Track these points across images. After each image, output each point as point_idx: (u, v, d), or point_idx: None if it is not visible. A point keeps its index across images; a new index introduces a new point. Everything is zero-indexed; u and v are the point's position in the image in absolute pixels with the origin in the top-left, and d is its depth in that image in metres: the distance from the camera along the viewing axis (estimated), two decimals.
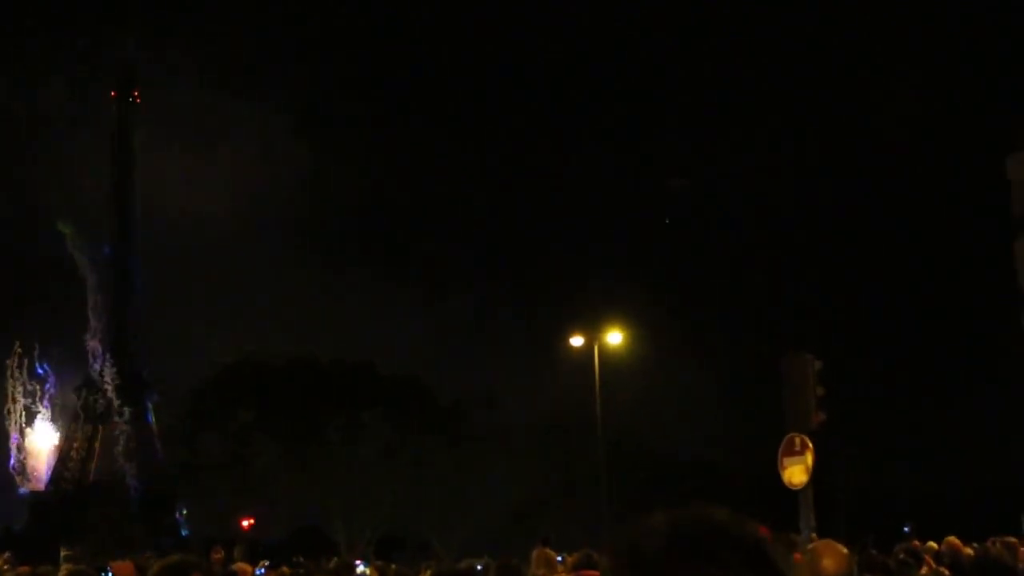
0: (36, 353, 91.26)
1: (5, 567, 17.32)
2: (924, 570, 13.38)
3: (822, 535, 15.80)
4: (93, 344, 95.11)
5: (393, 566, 21.15)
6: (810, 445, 19.30)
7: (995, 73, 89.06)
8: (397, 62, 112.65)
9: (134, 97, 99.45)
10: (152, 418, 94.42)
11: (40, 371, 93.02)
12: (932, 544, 18.64)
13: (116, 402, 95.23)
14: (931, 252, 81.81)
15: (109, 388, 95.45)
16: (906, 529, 61.90)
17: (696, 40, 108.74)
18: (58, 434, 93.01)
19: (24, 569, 15.13)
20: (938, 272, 78.82)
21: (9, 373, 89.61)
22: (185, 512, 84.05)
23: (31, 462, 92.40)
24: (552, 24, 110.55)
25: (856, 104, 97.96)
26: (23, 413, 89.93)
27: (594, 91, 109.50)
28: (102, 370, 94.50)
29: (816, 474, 19.62)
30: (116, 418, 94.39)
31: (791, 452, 19.41)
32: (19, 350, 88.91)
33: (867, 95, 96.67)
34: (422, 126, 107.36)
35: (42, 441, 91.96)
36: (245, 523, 65.33)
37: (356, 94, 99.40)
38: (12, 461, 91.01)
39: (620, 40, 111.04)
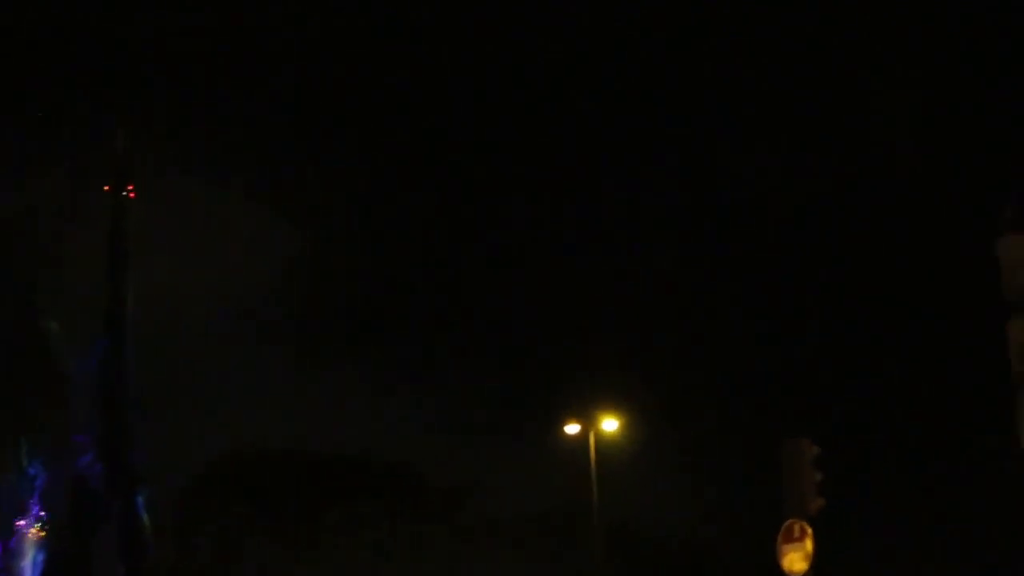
0: (24, 450, 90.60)
1: None
2: None
3: None
4: (81, 439, 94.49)
5: None
6: (810, 531, 19.20)
7: (982, 153, 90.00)
8: (385, 154, 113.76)
9: (128, 191, 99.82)
10: (144, 514, 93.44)
11: (32, 471, 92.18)
12: None
13: (106, 498, 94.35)
14: (927, 336, 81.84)
15: (99, 484, 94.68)
16: None
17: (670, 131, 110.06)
18: (44, 533, 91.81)
19: None
20: (934, 355, 78.72)
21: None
22: None
23: (17, 562, 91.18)
24: (522, 126, 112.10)
25: (842, 183, 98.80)
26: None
27: (589, 174, 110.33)
28: (91, 465, 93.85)
29: (817, 561, 19.45)
30: (106, 515, 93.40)
31: (790, 539, 19.32)
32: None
33: (860, 171, 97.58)
34: (411, 216, 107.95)
35: (30, 542, 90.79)
36: None
37: (345, 186, 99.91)
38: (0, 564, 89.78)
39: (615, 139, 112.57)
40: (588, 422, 44.93)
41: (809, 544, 18.86)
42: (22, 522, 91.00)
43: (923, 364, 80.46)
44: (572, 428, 45.60)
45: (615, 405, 48.19)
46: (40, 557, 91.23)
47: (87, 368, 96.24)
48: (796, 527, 19.07)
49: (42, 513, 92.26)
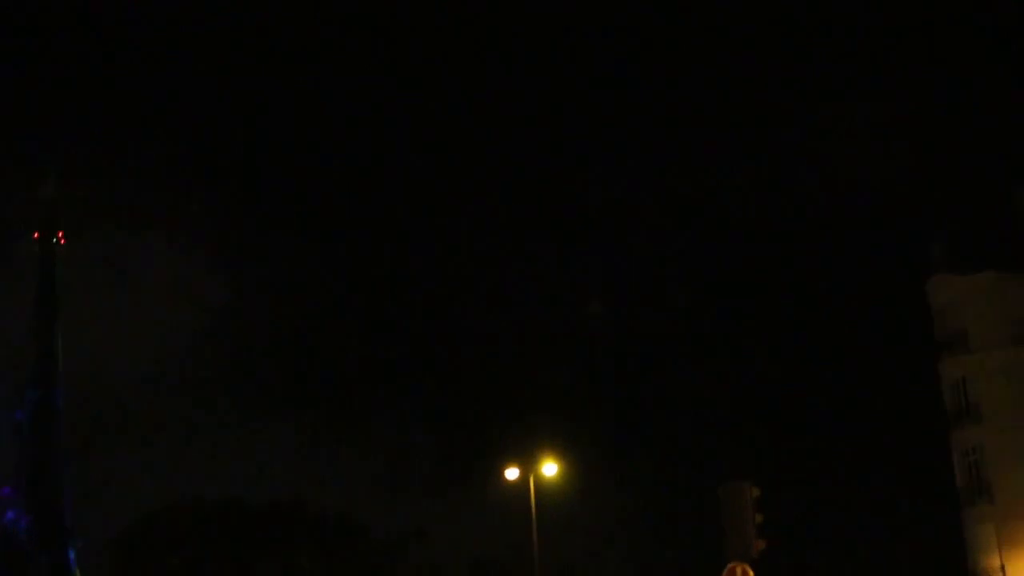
0: None
1: None
2: None
3: None
4: (6, 492, 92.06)
5: None
6: (751, 574, 19.10)
7: (912, 197, 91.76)
8: (319, 195, 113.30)
9: (58, 238, 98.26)
10: (75, 568, 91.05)
11: None
12: None
13: (35, 552, 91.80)
14: (861, 376, 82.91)
15: (25, 538, 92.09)
16: None
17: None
18: None
19: None
20: (868, 396, 79.72)
21: None
22: None
23: None
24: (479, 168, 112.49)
25: (775, 232, 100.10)
26: None
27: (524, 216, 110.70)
28: (16, 519, 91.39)
29: None
30: (35, 569, 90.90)
31: None
32: None
33: (786, 219, 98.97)
34: (350, 266, 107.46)
35: None
36: None
37: (278, 231, 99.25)
38: None
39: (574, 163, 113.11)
40: (528, 466, 44.62)
41: None
42: None
43: (859, 404, 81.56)
44: (512, 472, 45.23)
45: (555, 450, 47.96)
46: None
47: (14, 419, 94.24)
48: (738, 570, 18.96)
49: None
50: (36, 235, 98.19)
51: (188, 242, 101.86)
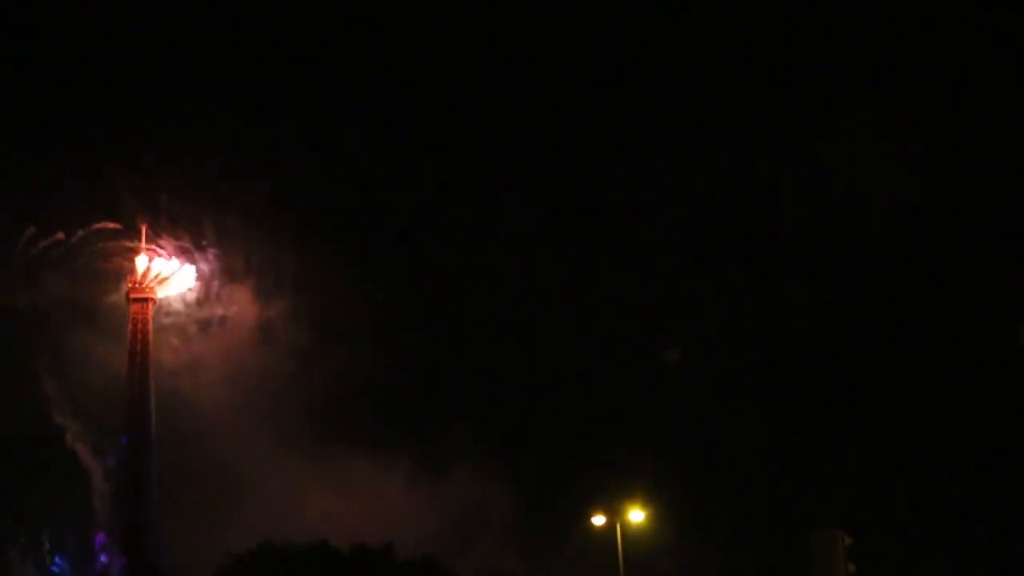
0: (46, 548, 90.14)
1: None
2: None
3: None
4: (101, 536, 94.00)
5: None
6: None
7: (1007, 238, 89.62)
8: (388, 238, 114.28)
9: (151, 299, 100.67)
10: None
11: (56, 568, 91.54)
12: None
13: None
14: (963, 422, 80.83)
15: None
16: None
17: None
18: None
19: None
20: (969, 446, 77.64)
21: (13, 564, 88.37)
22: None
23: None
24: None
25: (873, 281, 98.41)
26: None
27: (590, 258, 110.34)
28: (110, 563, 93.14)
29: None
30: None
31: None
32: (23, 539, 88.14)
33: (880, 268, 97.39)
34: (431, 304, 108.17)
35: None
36: None
37: (352, 272, 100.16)
38: None
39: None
40: (614, 513, 44.33)
41: None
42: None
43: (960, 451, 79.40)
44: (599, 519, 44.97)
45: (642, 496, 47.60)
46: None
47: (108, 464, 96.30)
48: None
49: None
50: (131, 294, 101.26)
51: (271, 285, 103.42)
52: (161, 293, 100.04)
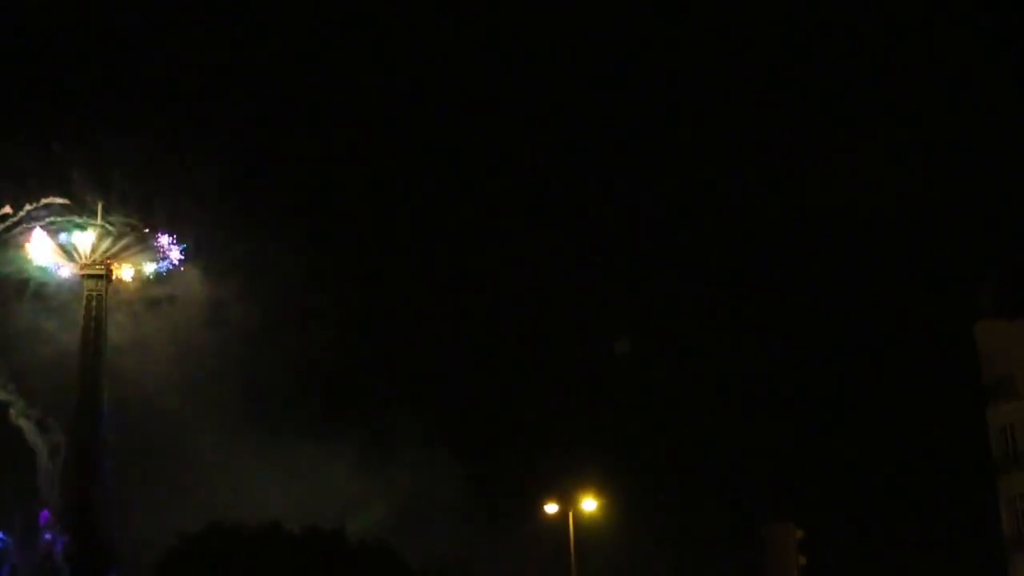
0: None
1: None
2: None
3: None
4: (46, 514, 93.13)
5: None
6: None
7: (958, 240, 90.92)
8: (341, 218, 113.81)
9: (108, 272, 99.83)
10: None
11: (2, 540, 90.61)
12: None
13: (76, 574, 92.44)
14: (908, 420, 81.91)
15: (67, 559, 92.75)
16: None
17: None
18: None
19: None
20: (914, 440, 78.71)
21: None
22: None
23: None
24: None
25: (819, 276, 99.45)
26: None
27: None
28: (53, 541, 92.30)
29: None
30: None
31: None
32: None
33: (831, 264, 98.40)
34: (387, 292, 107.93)
35: None
36: None
37: (301, 256, 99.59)
38: None
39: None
40: (567, 502, 44.56)
41: None
42: None
43: (905, 449, 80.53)
44: (551, 508, 45.19)
45: (595, 486, 47.84)
46: None
47: (53, 441, 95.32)
48: None
49: None
50: (82, 267, 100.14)
51: (221, 266, 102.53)
52: (115, 271, 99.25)
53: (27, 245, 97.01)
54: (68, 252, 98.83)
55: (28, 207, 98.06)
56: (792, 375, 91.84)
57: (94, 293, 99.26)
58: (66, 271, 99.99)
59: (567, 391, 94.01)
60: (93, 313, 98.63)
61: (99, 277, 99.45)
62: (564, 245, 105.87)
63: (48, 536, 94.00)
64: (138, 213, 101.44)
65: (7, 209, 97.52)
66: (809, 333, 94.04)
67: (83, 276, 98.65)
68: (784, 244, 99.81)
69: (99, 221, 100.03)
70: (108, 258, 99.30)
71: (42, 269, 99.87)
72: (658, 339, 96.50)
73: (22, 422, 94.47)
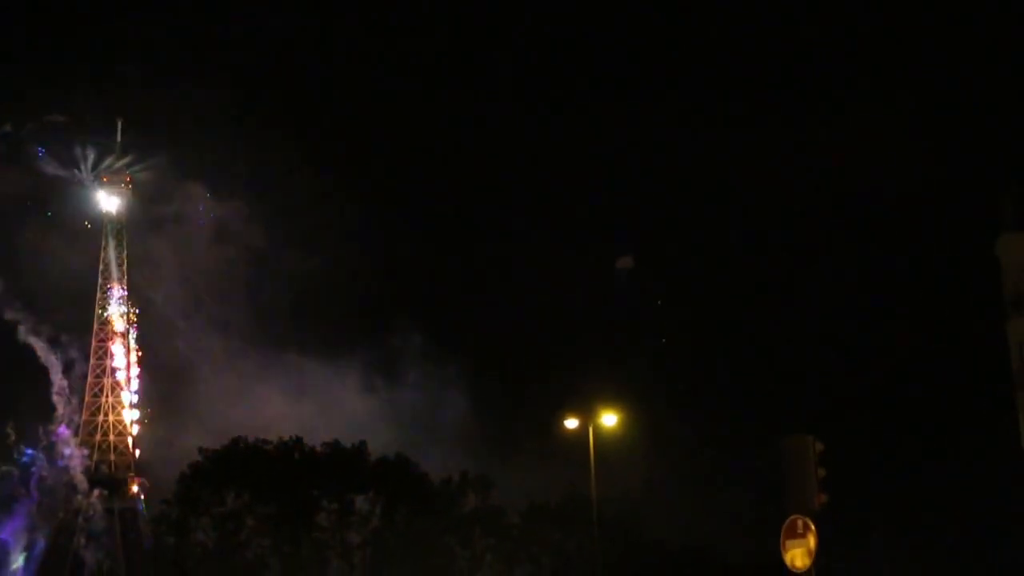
0: (12, 439, 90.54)
1: None
2: None
3: None
4: (63, 430, 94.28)
5: None
6: (813, 527, 19.08)
7: (982, 152, 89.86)
8: (374, 144, 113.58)
9: (126, 182, 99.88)
10: (141, 506, 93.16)
11: (26, 458, 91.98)
12: None
13: (103, 491, 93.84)
14: (929, 331, 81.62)
15: (86, 474, 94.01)
16: None
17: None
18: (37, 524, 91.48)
19: None
20: (936, 350, 78.56)
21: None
22: None
23: (11, 556, 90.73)
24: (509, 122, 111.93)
25: (840, 179, 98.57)
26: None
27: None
28: (71, 456, 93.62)
29: (819, 557, 19.36)
30: (102, 507, 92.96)
31: (793, 535, 19.17)
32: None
33: (854, 172, 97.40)
34: (410, 210, 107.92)
35: (21, 533, 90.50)
36: None
37: (309, 174, 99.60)
38: None
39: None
40: (587, 416, 44.67)
41: (812, 540, 18.75)
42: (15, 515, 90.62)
43: (925, 361, 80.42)
44: (571, 422, 45.32)
45: (615, 400, 47.92)
46: (39, 545, 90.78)
47: (67, 358, 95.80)
48: (799, 523, 18.98)
49: (36, 499, 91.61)
50: (105, 178, 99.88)
51: (226, 185, 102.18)
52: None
53: (40, 159, 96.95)
54: (81, 167, 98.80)
55: (30, 125, 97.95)
56: (814, 287, 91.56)
57: (111, 209, 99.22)
58: (82, 184, 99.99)
59: (584, 305, 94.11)
60: (113, 226, 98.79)
61: (116, 193, 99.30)
62: (575, 161, 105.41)
63: (68, 451, 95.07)
64: (143, 131, 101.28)
65: (7, 127, 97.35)
66: (830, 244, 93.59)
67: (101, 189, 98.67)
68: (805, 154, 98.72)
69: (119, 138, 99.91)
70: (126, 174, 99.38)
71: (53, 184, 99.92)
72: (680, 247, 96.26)
73: (32, 339, 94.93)
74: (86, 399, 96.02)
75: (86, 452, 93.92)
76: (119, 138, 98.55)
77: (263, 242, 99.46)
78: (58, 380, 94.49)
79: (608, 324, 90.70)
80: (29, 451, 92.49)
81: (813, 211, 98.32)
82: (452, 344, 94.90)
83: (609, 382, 62.93)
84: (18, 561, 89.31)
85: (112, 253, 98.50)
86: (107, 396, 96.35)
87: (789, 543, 19.14)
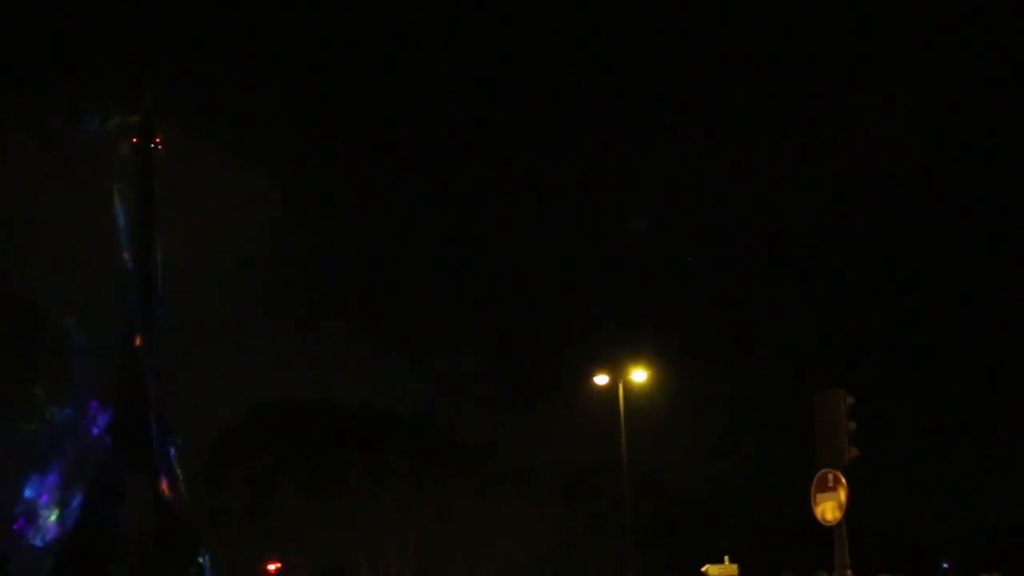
0: (40, 398, 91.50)
1: None
2: None
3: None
4: (92, 404, 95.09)
5: None
6: (843, 481, 18.79)
7: None
8: (389, 121, 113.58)
9: (156, 143, 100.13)
10: (176, 463, 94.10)
11: (66, 413, 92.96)
12: None
13: (137, 449, 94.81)
14: (962, 285, 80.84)
15: (121, 434, 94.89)
16: (945, 566, 60.47)
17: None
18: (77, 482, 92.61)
19: None
20: (968, 307, 77.82)
21: (27, 418, 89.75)
22: (210, 558, 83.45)
23: (45, 513, 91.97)
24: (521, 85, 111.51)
25: (869, 130, 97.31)
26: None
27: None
28: (96, 417, 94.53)
29: (849, 511, 19.08)
30: (138, 465, 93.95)
31: (824, 488, 18.91)
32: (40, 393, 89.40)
33: (878, 133, 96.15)
34: (443, 171, 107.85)
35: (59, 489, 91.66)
36: (271, 567, 64.58)
37: (329, 144, 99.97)
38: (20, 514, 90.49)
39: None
40: (617, 373, 44.32)
41: (843, 494, 18.46)
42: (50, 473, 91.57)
43: (955, 314, 79.72)
44: (601, 379, 44.98)
45: (645, 356, 47.52)
46: (76, 501, 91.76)
47: (96, 325, 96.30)
48: (830, 477, 18.69)
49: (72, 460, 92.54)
50: (135, 140, 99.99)
51: (246, 154, 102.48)
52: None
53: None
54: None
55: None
56: (842, 242, 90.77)
57: (143, 148, 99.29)
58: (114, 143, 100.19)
59: (614, 263, 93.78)
60: (146, 171, 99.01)
61: (149, 147, 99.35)
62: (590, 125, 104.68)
63: (102, 419, 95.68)
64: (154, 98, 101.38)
65: None
66: (861, 201, 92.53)
67: (135, 145, 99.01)
68: (852, 98, 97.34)
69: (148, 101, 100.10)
70: (157, 136, 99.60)
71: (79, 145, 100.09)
72: (710, 208, 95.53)
73: (55, 311, 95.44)
74: (118, 359, 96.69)
75: (108, 412, 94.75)
76: (149, 100, 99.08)
77: (281, 211, 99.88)
78: (80, 341, 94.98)
79: (636, 281, 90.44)
80: (67, 410, 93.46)
81: (847, 169, 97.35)
82: (480, 305, 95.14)
83: (640, 339, 62.67)
84: (51, 518, 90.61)
85: (140, 212, 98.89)
86: (137, 358, 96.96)
87: (820, 496, 18.90)
